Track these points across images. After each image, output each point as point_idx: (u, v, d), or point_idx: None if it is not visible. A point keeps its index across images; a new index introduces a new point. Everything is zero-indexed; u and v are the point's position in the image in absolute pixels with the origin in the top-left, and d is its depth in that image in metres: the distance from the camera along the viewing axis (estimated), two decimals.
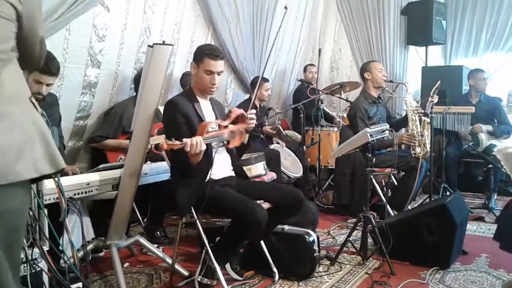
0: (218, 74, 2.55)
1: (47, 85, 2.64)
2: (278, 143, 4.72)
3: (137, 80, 3.42)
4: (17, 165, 1.28)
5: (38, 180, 1.41)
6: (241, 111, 2.55)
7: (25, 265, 1.77)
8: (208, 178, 2.46)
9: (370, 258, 3.03)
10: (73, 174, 2.81)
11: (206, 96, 2.67)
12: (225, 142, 2.45)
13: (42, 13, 2.83)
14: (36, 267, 1.81)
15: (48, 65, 2.54)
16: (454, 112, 4.67)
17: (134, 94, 3.65)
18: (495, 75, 5.83)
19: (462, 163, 5.06)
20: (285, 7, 3.55)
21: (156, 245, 3.02)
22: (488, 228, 3.82)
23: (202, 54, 2.52)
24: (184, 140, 2.17)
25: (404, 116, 4.11)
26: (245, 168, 3.15)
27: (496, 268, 2.91)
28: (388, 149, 4.06)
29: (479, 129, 4.64)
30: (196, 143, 2.19)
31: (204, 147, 2.24)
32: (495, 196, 4.55)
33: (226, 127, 2.48)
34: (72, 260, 1.99)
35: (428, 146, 3.77)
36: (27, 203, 1.43)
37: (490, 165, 4.34)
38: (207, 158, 2.42)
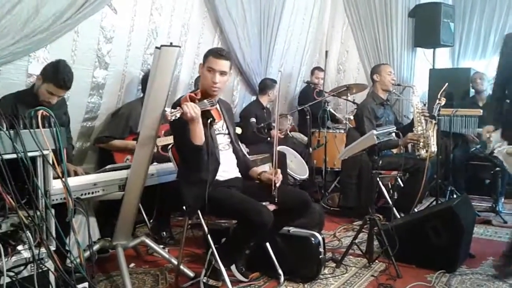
0: (221, 74, 2.51)
1: (58, 96, 2.77)
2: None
3: (144, 81, 3.44)
4: None
5: None
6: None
7: (32, 264, 1.79)
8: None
9: (376, 261, 3.02)
10: (75, 174, 2.84)
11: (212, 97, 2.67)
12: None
13: (51, 15, 2.88)
14: (43, 266, 1.83)
15: (65, 80, 2.69)
16: (462, 115, 4.64)
17: (142, 95, 3.67)
18: None
19: (469, 166, 5.01)
20: None
21: (162, 246, 3.03)
22: (495, 232, 3.79)
23: (208, 53, 2.58)
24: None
25: (411, 120, 4.10)
26: None
27: None
28: (395, 151, 4.05)
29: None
30: (190, 105, 2.27)
31: (198, 109, 2.30)
32: (503, 199, 4.51)
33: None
34: (78, 260, 2.00)
35: (433, 146, 3.75)
36: None
37: (497, 168, 4.30)
38: (214, 157, 2.45)
